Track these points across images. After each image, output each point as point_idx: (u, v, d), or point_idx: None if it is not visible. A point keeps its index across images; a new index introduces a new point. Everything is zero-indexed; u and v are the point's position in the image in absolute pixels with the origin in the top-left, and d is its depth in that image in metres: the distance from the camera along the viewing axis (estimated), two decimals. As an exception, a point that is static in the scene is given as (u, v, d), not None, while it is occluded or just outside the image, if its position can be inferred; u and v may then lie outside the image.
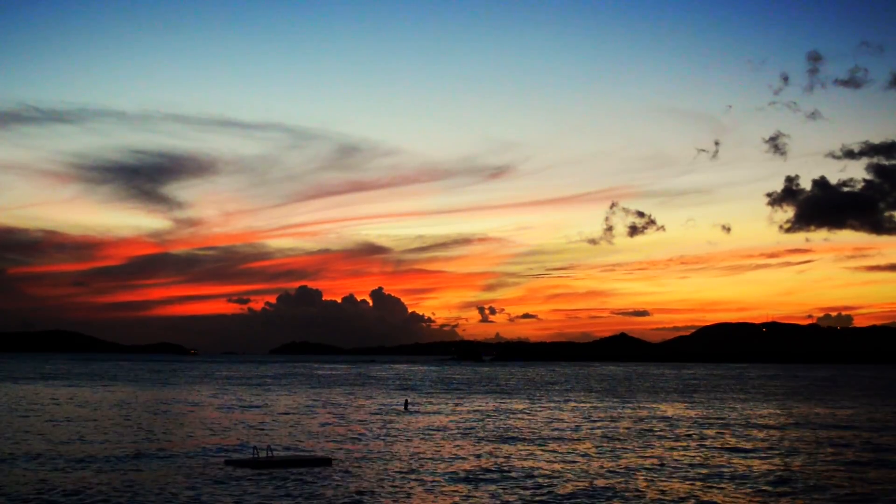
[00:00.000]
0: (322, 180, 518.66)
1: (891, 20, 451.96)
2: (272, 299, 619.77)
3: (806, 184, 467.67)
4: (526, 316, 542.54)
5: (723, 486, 27.13)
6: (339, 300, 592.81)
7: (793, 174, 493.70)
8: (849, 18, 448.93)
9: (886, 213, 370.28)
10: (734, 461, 33.17)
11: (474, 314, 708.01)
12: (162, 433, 41.91)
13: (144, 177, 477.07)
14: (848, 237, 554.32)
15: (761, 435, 44.22)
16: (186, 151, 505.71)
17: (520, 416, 56.23)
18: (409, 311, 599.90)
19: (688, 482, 27.73)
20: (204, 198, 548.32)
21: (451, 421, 51.25)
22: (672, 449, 37.05)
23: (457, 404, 67.55)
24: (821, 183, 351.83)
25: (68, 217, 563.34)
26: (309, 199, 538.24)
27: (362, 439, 39.97)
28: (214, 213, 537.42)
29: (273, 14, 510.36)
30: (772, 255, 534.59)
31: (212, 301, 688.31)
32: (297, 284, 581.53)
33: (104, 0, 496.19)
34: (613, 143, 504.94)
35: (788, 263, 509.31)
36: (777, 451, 36.61)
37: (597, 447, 37.55)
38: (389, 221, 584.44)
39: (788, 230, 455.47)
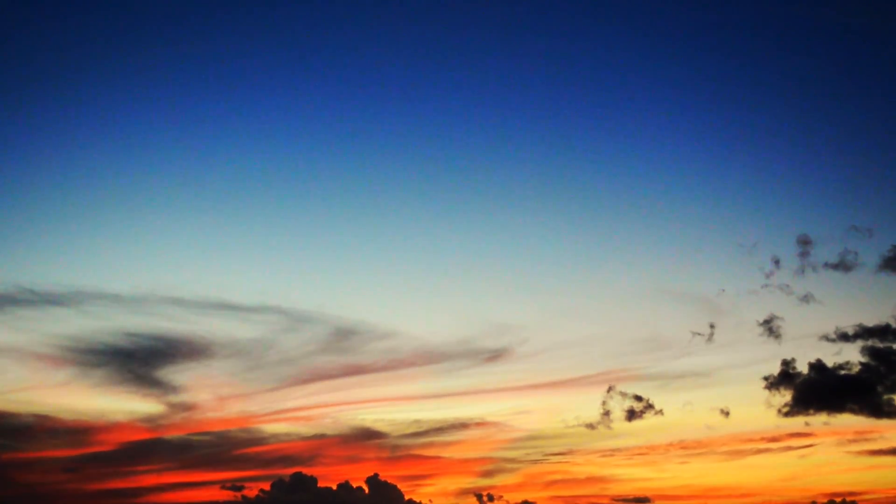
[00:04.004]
0: (318, 364, 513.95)
1: (879, 205, 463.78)
2: (266, 486, 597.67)
3: (802, 367, 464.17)
4: (525, 503, 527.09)
5: None
6: (335, 487, 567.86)
7: (788, 357, 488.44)
8: (837, 203, 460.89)
9: (885, 397, 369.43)
10: None
11: (472, 501, 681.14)
12: None
13: (139, 360, 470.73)
14: (848, 421, 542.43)
15: None
16: (181, 334, 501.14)
17: None
18: (406, 498, 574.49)
19: None
20: (198, 381, 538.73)
21: None
22: None
23: None
24: (817, 366, 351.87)
25: (62, 401, 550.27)
26: (304, 382, 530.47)
27: None
28: (209, 396, 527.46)
29: (269, 197, 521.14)
30: (772, 440, 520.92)
31: (205, 488, 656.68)
32: (291, 470, 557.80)
33: (100, 183, 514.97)
34: (610, 326, 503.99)
35: (790, 448, 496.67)
36: None
37: None
38: (385, 405, 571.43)
39: (787, 413, 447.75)
